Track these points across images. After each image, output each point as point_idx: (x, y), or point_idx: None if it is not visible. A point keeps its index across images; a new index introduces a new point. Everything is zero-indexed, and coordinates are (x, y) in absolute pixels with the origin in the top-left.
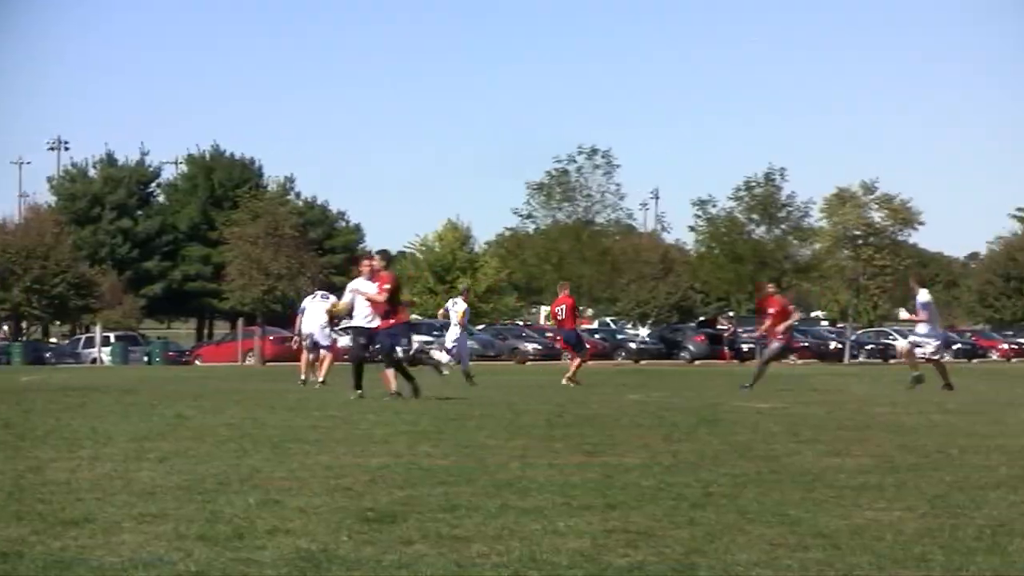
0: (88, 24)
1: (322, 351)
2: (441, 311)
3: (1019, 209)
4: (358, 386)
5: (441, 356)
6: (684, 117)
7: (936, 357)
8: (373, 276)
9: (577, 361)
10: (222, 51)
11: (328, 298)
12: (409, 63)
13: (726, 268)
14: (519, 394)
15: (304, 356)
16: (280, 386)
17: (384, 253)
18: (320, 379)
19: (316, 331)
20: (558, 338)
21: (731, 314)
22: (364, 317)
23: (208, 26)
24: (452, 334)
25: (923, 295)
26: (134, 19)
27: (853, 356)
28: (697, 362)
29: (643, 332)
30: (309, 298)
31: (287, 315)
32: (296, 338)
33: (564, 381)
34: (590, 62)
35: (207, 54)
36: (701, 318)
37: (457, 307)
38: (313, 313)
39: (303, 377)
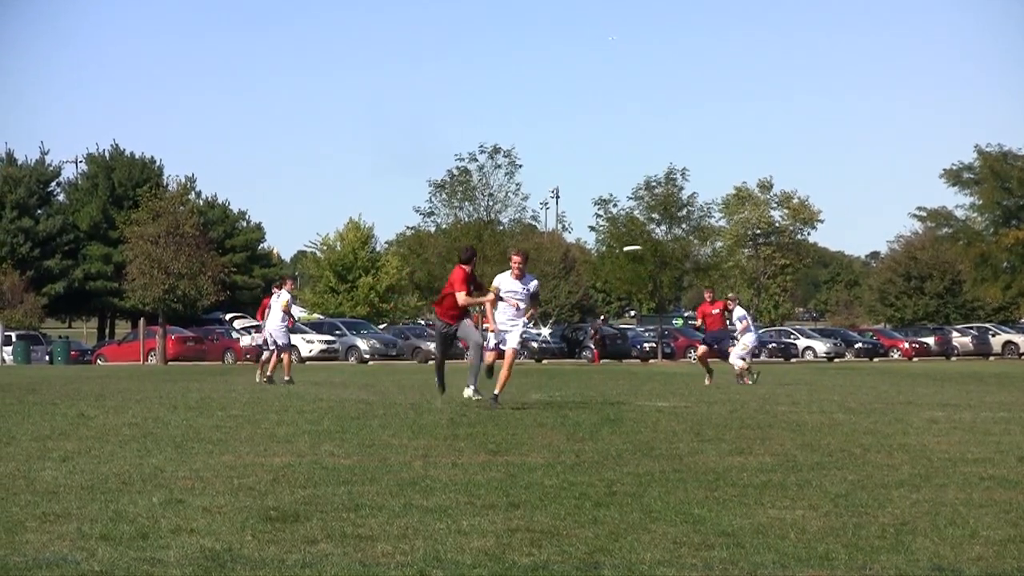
0: None
1: (280, 349)
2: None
3: (919, 208)
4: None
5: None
6: (585, 116)
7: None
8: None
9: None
10: (123, 50)
11: (280, 295)
12: (311, 62)
13: (627, 268)
14: (422, 393)
15: (264, 355)
16: (182, 385)
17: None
18: (286, 377)
19: (275, 329)
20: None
21: (632, 313)
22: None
23: (109, 25)
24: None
25: (739, 311)
26: (32, 17)
27: (755, 355)
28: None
29: (545, 332)
30: (275, 295)
31: (189, 314)
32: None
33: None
34: (492, 61)
35: (108, 53)
36: (602, 316)
37: (281, 298)
38: (274, 310)
39: (268, 375)
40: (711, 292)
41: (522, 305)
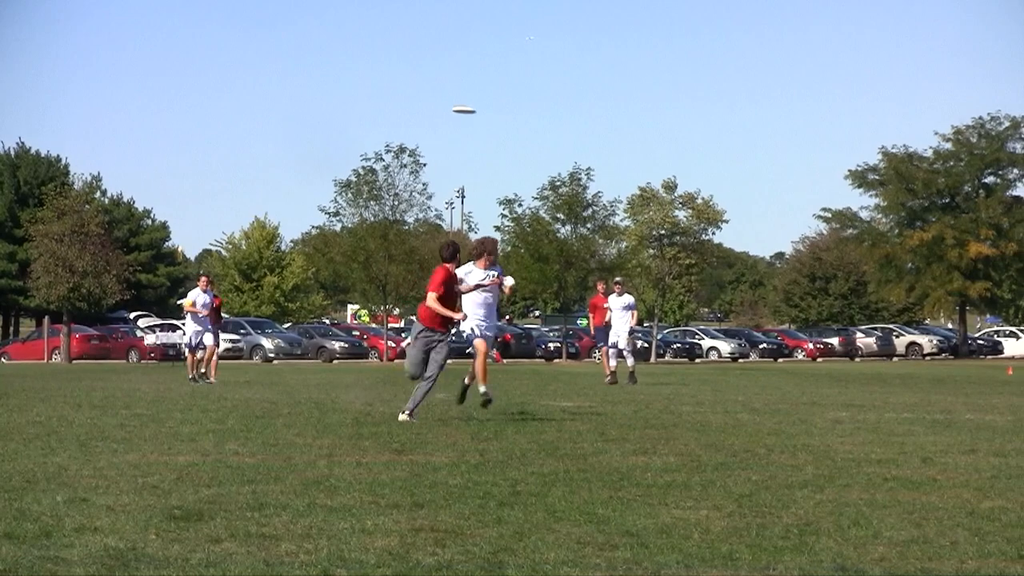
0: None
1: (208, 348)
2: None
3: (824, 209)
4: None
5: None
6: (491, 116)
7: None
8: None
9: None
10: (29, 45)
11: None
12: (218, 59)
13: (532, 267)
14: (326, 392)
15: (191, 355)
16: (86, 383)
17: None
18: (211, 379)
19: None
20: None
21: (537, 313)
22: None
23: (14, 19)
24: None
25: (628, 298)
26: None
27: (660, 355)
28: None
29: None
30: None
31: (93, 313)
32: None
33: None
34: (398, 60)
35: (12, 47)
36: (507, 316)
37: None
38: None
39: (192, 375)
40: (604, 284)
41: (491, 298)
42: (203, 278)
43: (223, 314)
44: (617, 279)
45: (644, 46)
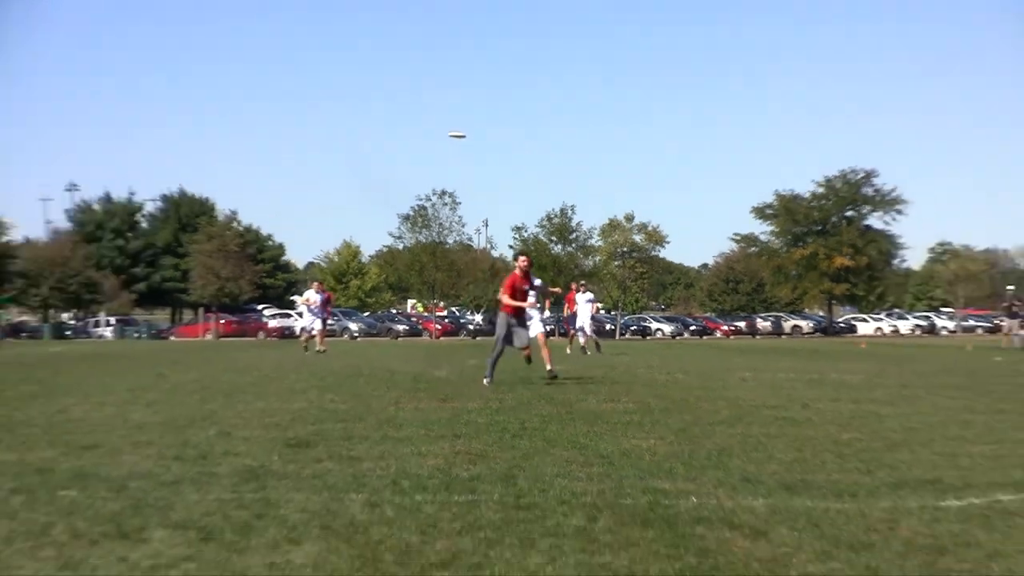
0: (84, 102)
1: (318, 331)
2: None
3: (735, 234)
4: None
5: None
6: (507, 162)
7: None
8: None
9: None
10: (188, 116)
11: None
12: (318, 126)
13: (533, 275)
14: (393, 361)
15: (306, 336)
16: (229, 354)
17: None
18: (322, 347)
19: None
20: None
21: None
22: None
23: (175, 99)
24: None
25: (588, 295)
26: (127, 97)
27: (621, 334)
28: None
29: (478, 317)
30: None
31: (233, 305)
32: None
33: None
34: (436, 115)
35: (177, 118)
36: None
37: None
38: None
39: (305, 348)
40: (576, 286)
41: (531, 298)
42: (316, 283)
43: (333, 305)
44: (582, 282)
45: (615, 98)
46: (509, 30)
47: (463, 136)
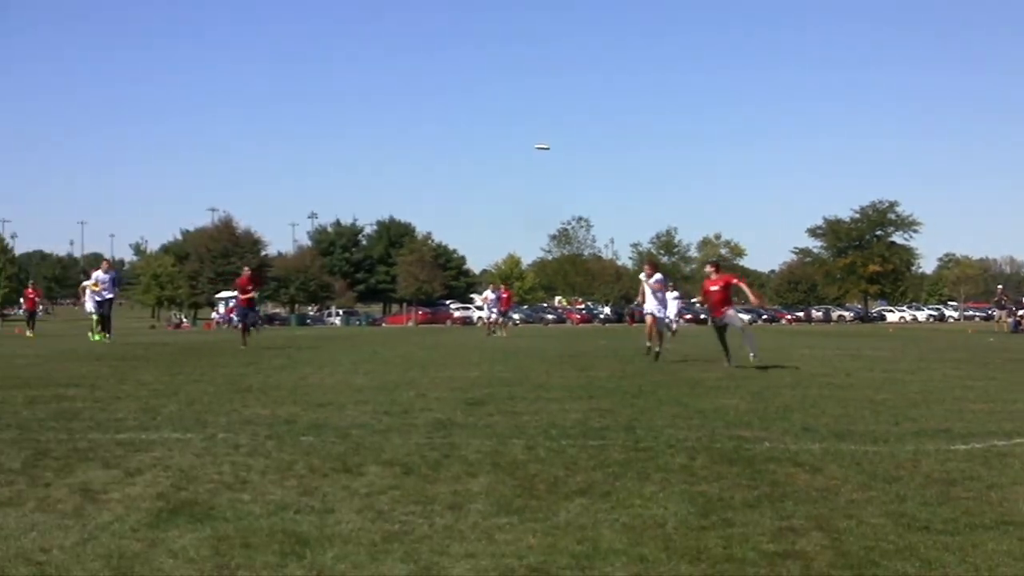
0: (322, 152)
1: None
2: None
3: (795, 248)
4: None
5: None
6: (627, 192)
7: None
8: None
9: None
10: (398, 157)
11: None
12: (491, 166)
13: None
14: (545, 341)
15: (488, 324)
16: (424, 337)
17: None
18: (503, 334)
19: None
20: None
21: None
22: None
23: (394, 136)
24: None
25: (675, 292)
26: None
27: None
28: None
29: (607, 309)
30: (489, 292)
31: (428, 301)
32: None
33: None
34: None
35: (392, 158)
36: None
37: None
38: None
39: (488, 332)
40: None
41: (659, 293)
42: (492, 285)
43: (513, 302)
44: (670, 282)
45: (706, 135)
46: (633, 66)
47: (547, 148)
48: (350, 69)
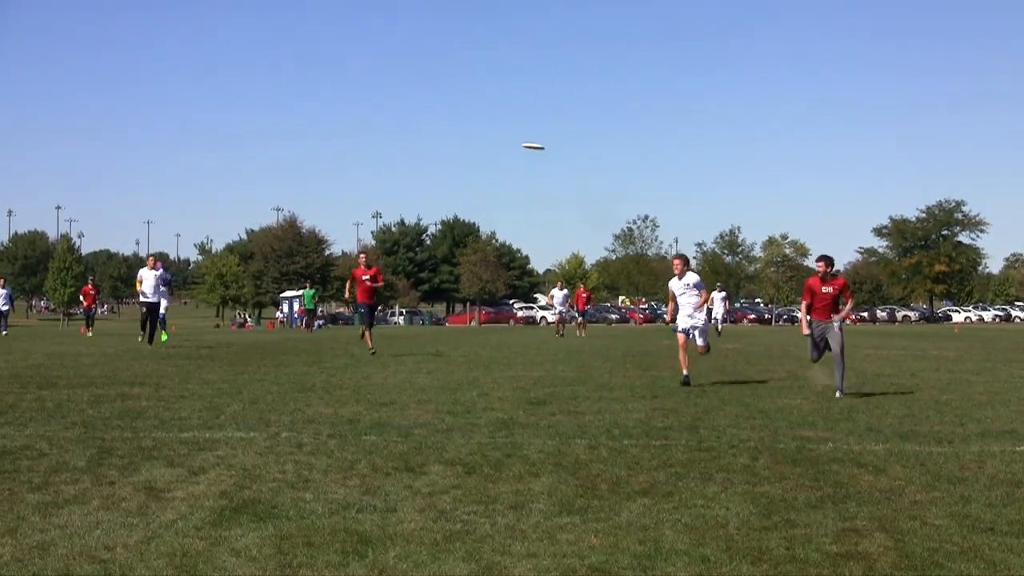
0: (385, 157)
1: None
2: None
3: (859, 247)
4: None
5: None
6: (693, 192)
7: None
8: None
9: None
10: (461, 159)
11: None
12: (555, 167)
13: (711, 277)
14: (608, 341)
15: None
16: (487, 336)
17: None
18: (581, 333)
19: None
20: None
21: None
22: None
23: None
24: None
25: (723, 293)
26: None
27: (776, 322)
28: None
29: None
30: (557, 290)
31: (491, 300)
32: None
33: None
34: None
35: (455, 159)
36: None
37: (559, 291)
38: (557, 297)
39: (559, 333)
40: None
41: (692, 298)
42: (559, 283)
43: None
44: (718, 283)
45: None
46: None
47: (541, 148)
48: (416, 71)
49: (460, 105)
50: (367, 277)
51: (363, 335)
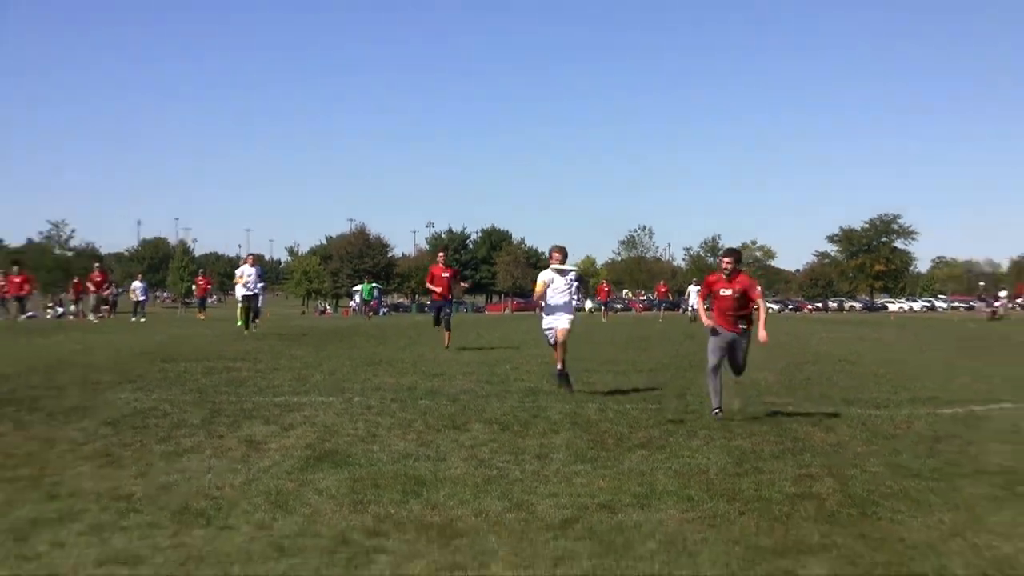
0: (436, 174)
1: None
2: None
3: (816, 251)
4: None
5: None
6: (678, 207)
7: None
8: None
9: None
10: (502, 173)
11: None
12: (576, 180)
13: (698, 274)
14: (614, 327)
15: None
16: (518, 324)
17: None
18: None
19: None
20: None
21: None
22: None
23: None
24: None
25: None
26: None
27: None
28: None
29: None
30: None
31: (520, 292)
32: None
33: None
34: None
35: (496, 175)
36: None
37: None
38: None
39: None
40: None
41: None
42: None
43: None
44: (694, 279)
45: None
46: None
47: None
48: (466, 102)
49: (498, 129)
50: (446, 275)
51: (437, 324)
